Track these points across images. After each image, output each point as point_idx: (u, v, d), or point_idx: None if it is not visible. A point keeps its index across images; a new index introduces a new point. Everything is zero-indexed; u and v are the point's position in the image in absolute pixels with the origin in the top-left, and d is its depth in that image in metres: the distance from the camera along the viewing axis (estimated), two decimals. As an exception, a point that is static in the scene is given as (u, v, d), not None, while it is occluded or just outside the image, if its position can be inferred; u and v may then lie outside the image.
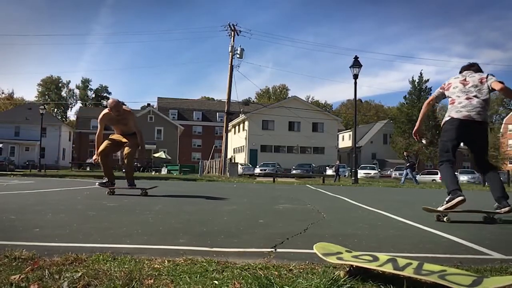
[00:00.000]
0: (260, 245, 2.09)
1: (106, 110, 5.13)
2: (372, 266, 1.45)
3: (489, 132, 3.62)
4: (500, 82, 3.50)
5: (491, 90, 3.52)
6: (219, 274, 1.46)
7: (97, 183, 5.46)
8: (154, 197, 5.11)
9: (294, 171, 27.56)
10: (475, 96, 3.52)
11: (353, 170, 15.46)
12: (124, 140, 5.30)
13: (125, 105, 5.34)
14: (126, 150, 5.16)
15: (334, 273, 1.43)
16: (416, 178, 16.42)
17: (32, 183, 8.66)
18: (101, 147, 5.20)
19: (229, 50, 24.17)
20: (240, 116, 38.55)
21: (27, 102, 57.91)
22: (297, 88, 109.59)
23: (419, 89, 41.50)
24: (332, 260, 1.53)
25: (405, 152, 18.30)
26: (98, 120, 5.18)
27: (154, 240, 2.19)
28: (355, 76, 14.88)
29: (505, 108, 67.63)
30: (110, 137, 5.37)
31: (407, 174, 16.25)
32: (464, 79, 3.65)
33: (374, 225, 3.07)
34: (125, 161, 5.25)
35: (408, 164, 16.35)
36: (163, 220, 3.00)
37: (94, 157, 5.28)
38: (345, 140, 52.09)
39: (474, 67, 3.72)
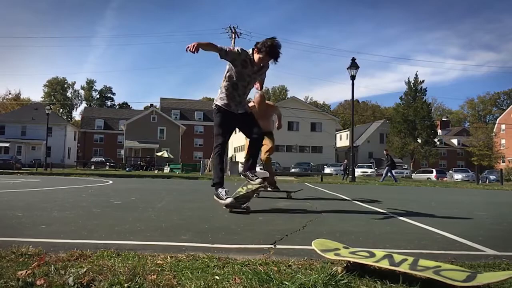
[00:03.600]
0: (260, 241, 2.11)
1: (250, 104, 4.92)
2: (369, 262, 1.47)
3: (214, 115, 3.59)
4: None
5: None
6: (220, 270, 1.48)
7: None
8: (157, 195, 5.15)
9: (293, 170, 27.55)
10: None
11: (350, 169, 15.48)
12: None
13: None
14: (265, 155, 4.92)
15: (332, 269, 1.45)
16: (385, 178, 16.07)
17: (38, 181, 8.73)
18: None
19: (230, 52, 24.11)
20: (241, 116, 38.76)
21: (34, 102, 58.31)
22: (296, 89, 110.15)
23: (414, 90, 41.70)
24: (330, 256, 1.55)
25: (384, 151, 18.02)
26: None
27: (156, 236, 2.21)
28: (353, 77, 14.97)
29: (499, 109, 67.66)
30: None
31: (388, 172, 16.11)
32: None
33: (371, 222, 3.09)
34: (264, 166, 5.06)
35: (389, 162, 16.22)
36: (166, 217, 3.03)
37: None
38: (343, 140, 52.26)
39: None
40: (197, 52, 3.13)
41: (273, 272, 1.42)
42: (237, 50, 3.29)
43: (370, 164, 35.14)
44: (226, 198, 3.34)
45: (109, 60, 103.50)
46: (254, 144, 3.60)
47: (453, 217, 3.71)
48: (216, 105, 3.51)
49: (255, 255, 1.73)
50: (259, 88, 3.86)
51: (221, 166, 3.49)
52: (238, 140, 40.84)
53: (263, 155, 4.94)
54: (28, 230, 2.36)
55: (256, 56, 3.27)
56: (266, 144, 4.90)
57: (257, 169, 3.65)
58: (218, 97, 3.52)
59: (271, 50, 3.20)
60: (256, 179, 3.51)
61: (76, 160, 44.30)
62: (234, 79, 3.38)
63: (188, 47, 3.09)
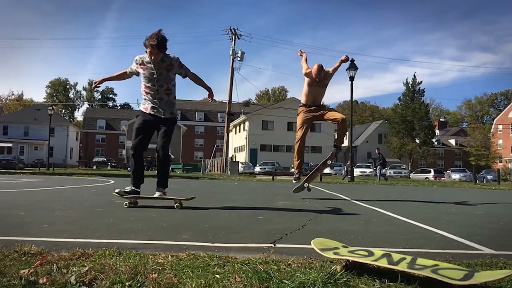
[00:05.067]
0: (260, 240, 2.13)
1: (307, 70, 4.76)
2: (367, 260, 1.48)
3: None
4: None
5: None
6: (221, 269, 1.49)
7: (294, 189, 4.97)
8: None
9: (292, 170, 27.57)
10: None
11: (349, 169, 15.53)
12: (318, 112, 4.71)
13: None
14: (341, 131, 4.56)
15: (331, 268, 1.46)
16: (380, 176, 16.09)
17: (41, 181, 8.77)
18: (301, 132, 4.66)
19: (230, 53, 24.31)
20: (241, 116, 39.00)
21: (36, 103, 58.56)
22: (296, 90, 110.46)
23: (412, 91, 41.99)
24: (329, 255, 1.56)
25: (376, 150, 17.92)
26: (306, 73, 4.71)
27: (158, 235, 2.23)
28: (351, 78, 15.15)
29: (496, 109, 67.88)
30: (301, 115, 4.78)
31: (380, 171, 16.06)
32: None
33: (369, 221, 3.10)
34: (338, 139, 4.76)
35: (381, 161, 16.16)
36: (167, 217, 3.05)
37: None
38: (342, 140, 52.53)
39: None
40: (99, 86, 3.71)
41: (272, 271, 1.43)
42: (135, 59, 3.58)
43: (369, 164, 35.17)
44: (120, 189, 3.60)
45: (111, 61, 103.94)
46: (160, 158, 3.65)
47: (451, 216, 3.71)
48: (139, 109, 3.72)
49: (255, 254, 1.74)
50: (210, 100, 4.01)
51: (133, 169, 3.63)
52: (238, 140, 40.89)
53: (338, 117, 4.61)
54: (31, 229, 2.38)
55: (147, 54, 3.46)
56: (336, 116, 4.67)
57: (156, 194, 3.73)
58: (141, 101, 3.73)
59: (151, 42, 3.36)
60: (156, 192, 3.73)
61: (78, 160, 44.40)
62: (143, 83, 3.60)
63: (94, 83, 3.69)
